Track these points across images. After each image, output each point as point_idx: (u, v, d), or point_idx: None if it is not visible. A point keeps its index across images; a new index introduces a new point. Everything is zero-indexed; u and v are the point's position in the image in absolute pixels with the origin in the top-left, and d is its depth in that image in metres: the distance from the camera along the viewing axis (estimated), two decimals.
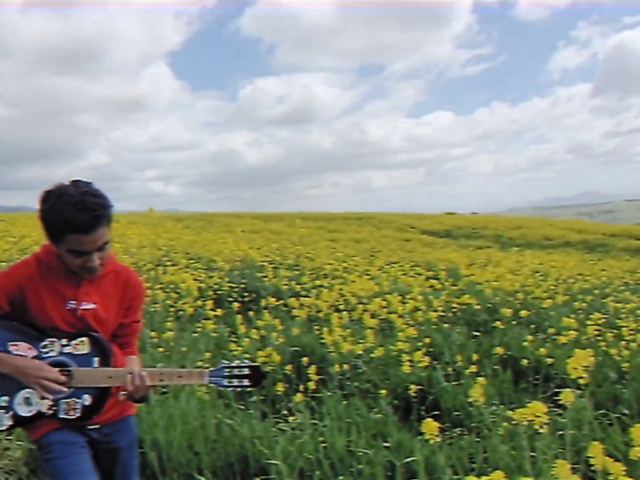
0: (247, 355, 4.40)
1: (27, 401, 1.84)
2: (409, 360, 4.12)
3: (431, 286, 8.26)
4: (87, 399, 1.86)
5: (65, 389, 1.83)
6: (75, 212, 1.70)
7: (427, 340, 4.93)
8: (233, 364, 1.94)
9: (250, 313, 6.13)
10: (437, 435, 2.00)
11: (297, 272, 9.49)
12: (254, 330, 5.04)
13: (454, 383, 4.23)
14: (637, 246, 26.34)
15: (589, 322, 5.67)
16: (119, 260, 2.06)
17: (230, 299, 7.12)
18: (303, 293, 7.42)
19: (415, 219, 38.84)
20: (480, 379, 2.91)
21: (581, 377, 2.17)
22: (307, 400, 3.70)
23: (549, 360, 4.53)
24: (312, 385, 3.74)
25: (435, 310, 6.16)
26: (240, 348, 4.57)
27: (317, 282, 8.25)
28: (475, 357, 4.60)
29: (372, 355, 4.47)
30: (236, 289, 7.70)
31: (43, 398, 1.83)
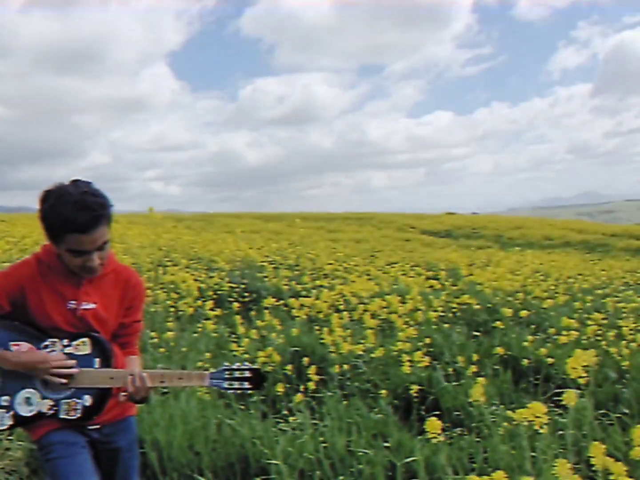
0: (247, 356, 4.40)
1: (28, 401, 1.84)
2: (409, 361, 4.12)
3: (431, 286, 8.25)
4: (87, 400, 1.86)
5: (75, 371, 1.84)
6: (75, 211, 1.71)
7: (427, 340, 4.92)
8: (234, 366, 1.94)
9: (252, 313, 6.13)
10: (438, 435, 2.00)
11: (297, 272, 9.49)
12: (254, 331, 5.03)
13: (454, 383, 4.23)
14: (637, 246, 26.35)
15: (589, 322, 5.67)
16: (119, 260, 2.06)
17: (231, 299, 7.12)
18: (303, 293, 7.42)
19: (416, 219, 38.84)
20: (481, 379, 2.91)
21: (581, 377, 2.17)
22: (307, 401, 3.70)
23: (550, 360, 4.53)
24: (312, 385, 3.74)
25: (436, 310, 6.16)
26: (240, 348, 4.57)
27: (318, 282, 8.24)
28: (475, 357, 4.60)
29: (373, 355, 4.47)
30: (236, 289, 7.70)
31: (45, 397, 1.83)
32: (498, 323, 5.78)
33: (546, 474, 2.36)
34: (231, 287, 7.69)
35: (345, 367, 4.29)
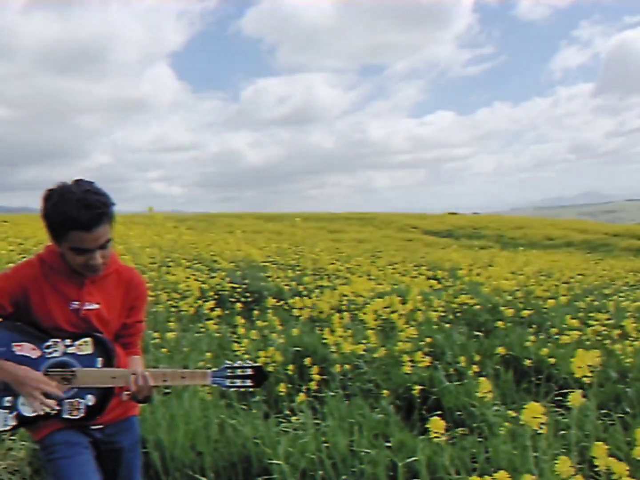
0: (248, 356, 4.40)
1: None
2: (411, 361, 4.12)
3: (432, 286, 8.25)
4: (90, 399, 1.87)
5: (56, 408, 1.82)
6: (77, 209, 1.72)
7: (428, 340, 4.93)
8: (236, 365, 1.94)
9: (255, 312, 6.13)
10: (441, 435, 2.00)
11: (299, 273, 9.50)
12: (255, 331, 5.04)
13: (456, 383, 4.23)
14: (639, 246, 26.32)
15: (591, 322, 5.67)
16: (121, 261, 2.07)
17: (232, 300, 7.12)
18: (305, 293, 7.42)
19: (417, 219, 38.85)
20: (483, 379, 2.91)
21: (586, 377, 2.18)
22: (309, 401, 3.70)
23: (551, 361, 4.52)
24: (314, 385, 3.74)
25: (437, 311, 6.16)
26: (242, 348, 4.57)
27: (319, 283, 8.25)
28: (476, 357, 4.60)
29: (374, 355, 4.47)
30: (238, 290, 7.70)
31: (48, 397, 1.84)
32: (499, 323, 5.78)
33: (548, 474, 2.36)
34: (233, 287, 7.70)
35: (347, 367, 4.30)
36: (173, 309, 6.35)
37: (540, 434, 2.01)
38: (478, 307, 6.86)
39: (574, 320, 5.50)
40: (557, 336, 5.26)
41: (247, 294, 7.69)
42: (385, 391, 3.92)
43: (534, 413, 1.85)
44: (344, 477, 2.94)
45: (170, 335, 5.03)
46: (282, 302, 6.72)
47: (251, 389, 1.98)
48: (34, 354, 1.85)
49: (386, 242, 22.91)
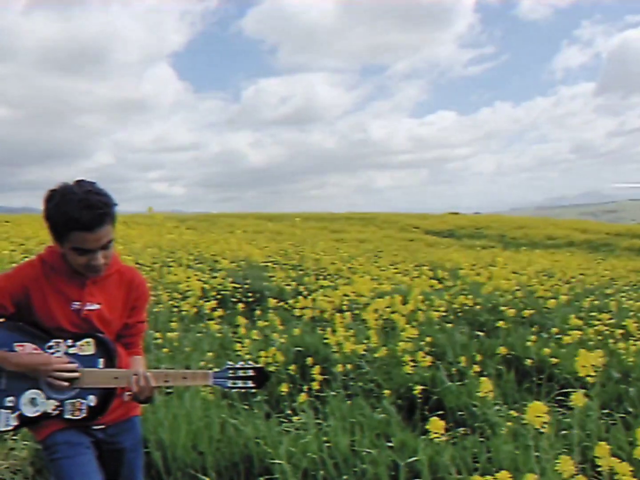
0: (250, 356, 4.40)
1: (33, 402, 1.85)
2: (412, 360, 4.12)
3: (433, 286, 8.25)
4: (92, 400, 1.87)
5: (77, 374, 1.84)
6: (79, 209, 1.72)
7: (429, 340, 4.92)
8: (237, 365, 1.94)
9: (257, 312, 6.13)
10: (442, 434, 2.00)
11: (300, 273, 9.50)
12: (257, 331, 5.04)
13: (457, 383, 4.23)
14: None
15: (593, 322, 5.66)
16: (123, 261, 2.07)
17: (234, 300, 7.12)
18: (306, 293, 7.42)
19: (419, 219, 38.84)
20: (484, 379, 2.91)
21: (589, 376, 2.18)
22: (311, 400, 3.71)
23: (553, 360, 4.52)
24: (316, 385, 3.74)
25: (438, 310, 6.16)
26: (244, 348, 4.58)
27: (321, 283, 8.25)
28: (478, 357, 4.60)
29: (376, 355, 4.47)
30: (240, 290, 7.71)
31: (50, 398, 1.84)
32: (501, 323, 5.78)
33: (550, 474, 2.36)
34: (234, 287, 7.70)
35: (349, 366, 4.30)
36: (174, 309, 6.35)
37: (542, 433, 2.01)
38: (479, 307, 6.85)
39: (575, 320, 5.50)
40: (558, 336, 5.26)
41: (249, 294, 7.69)
42: (386, 391, 3.92)
43: (537, 412, 1.85)
44: (345, 477, 2.94)
45: (171, 335, 5.03)
46: (283, 302, 6.72)
47: (253, 390, 1.98)
48: None
49: (387, 242, 22.91)
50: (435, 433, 1.99)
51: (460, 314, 6.66)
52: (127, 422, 2.03)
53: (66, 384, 1.83)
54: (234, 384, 1.92)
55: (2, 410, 1.84)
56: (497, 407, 3.76)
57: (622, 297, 8.35)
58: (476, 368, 4.20)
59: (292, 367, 4.16)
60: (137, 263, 8.17)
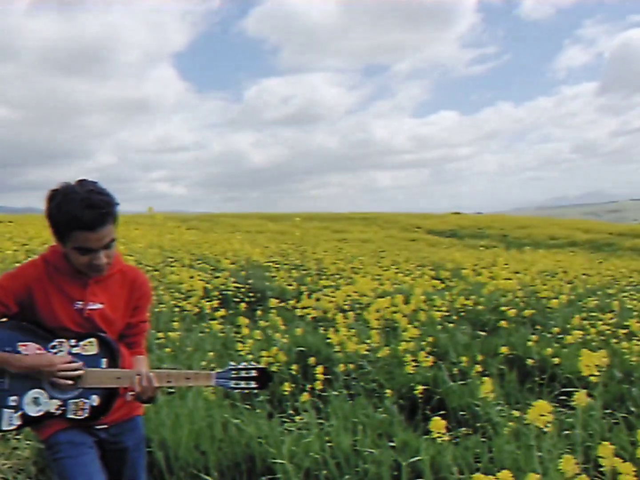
0: (252, 356, 4.40)
1: (36, 401, 1.86)
2: (414, 360, 4.11)
3: (435, 286, 8.24)
4: (95, 400, 1.87)
5: (81, 372, 1.84)
6: (81, 209, 1.73)
7: (431, 340, 4.92)
8: (240, 366, 1.94)
9: (259, 312, 6.14)
10: (443, 434, 2.00)
11: (303, 272, 9.50)
12: (259, 331, 5.04)
13: (459, 383, 4.23)
14: None
15: (595, 322, 5.66)
16: (125, 261, 2.07)
17: (236, 300, 7.13)
18: (308, 293, 7.42)
19: (421, 218, 38.83)
20: (486, 379, 2.91)
21: (592, 376, 2.18)
22: (313, 400, 3.71)
23: (556, 360, 4.52)
24: (319, 385, 3.75)
25: (440, 310, 6.16)
26: (246, 348, 4.58)
27: (323, 283, 8.25)
28: (480, 357, 4.59)
29: (378, 355, 4.47)
30: (242, 290, 7.71)
31: (53, 397, 1.85)
32: (503, 323, 5.77)
33: (552, 474, 2.36)
34: (236, 287, 7.71)
35: (351, 366, 4.30)
36: (176, 309, 6.36)
37: (544, 433, 2.01)
38: (481, 307, 6.85)
39: (578, 320, 5.49)
40: (561, 336, 5.25)
41: (251, 294, 7.70)
42: (388, 391, 3.92)
43: (541, 411, 1.85)
44: (347, 476, 2.94)
45: (174, 335, 5.04)
46: (285, 302, 6.72)
47: (255, 391, 1.98)
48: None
49: (390, 242, 22.91)
50: (437, 433, 1.99)
51: (462, 314, 6.65)
52: (129, 421, 2.04)
53: (71, 382, 1.84)
54: (237, 384, 1.92)
55: (6, 410, 1.85)
56: (499, 407, 3.76)
57: (625, 297, 8.33)
58: (478, 368, 4.20)
59: (294, 367, 4.16)
60: (139, 263, 8.18)
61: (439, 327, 5.80)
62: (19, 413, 1.85)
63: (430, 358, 4.15)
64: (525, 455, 2.90)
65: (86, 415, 1.87)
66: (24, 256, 8.47)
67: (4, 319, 1.88)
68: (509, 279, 8.85)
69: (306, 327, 5.66)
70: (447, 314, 6.27)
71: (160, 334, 5.05)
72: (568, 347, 4.96)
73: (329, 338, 4.72)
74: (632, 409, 3.88)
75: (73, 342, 1.88)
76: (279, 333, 5.16)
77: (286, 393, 3.74)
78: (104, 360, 1.88)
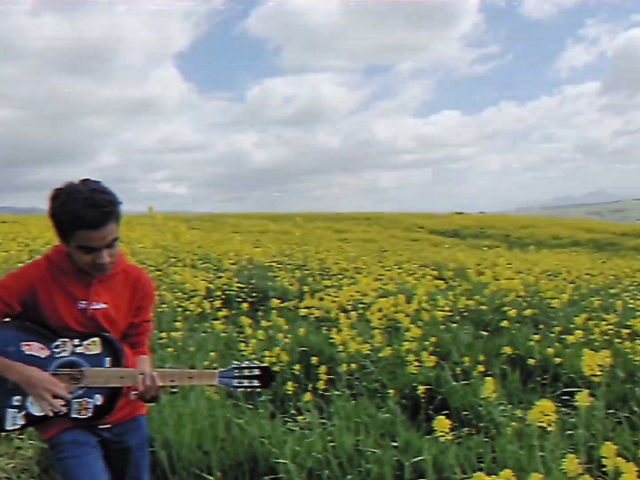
0: (255, 356, 4.41)
1: None
2: (417, 360, 4.11)
3: (438, 286, 8.23)
4: (98, 399, 1.88)
5: (64, 410, 1.82)
6: (84, 207, 1.73)
7: (434, 339, 4.92)
8: (243, 365, 1.95)
9: (261, 312, 6.15)
10: (446, 434, 2.00)
11: (305, 272, 9.50)
12: (262, 331, 5.05)
13: (462, 383, 4.22)
14: None
15: (598, 322, 5.64)
16: (128, 260, 2.08)
17: (239, 300, 7.13)
18: (310, 293, 7.42)
19: (423, 218, 38.81)
20: (489, 379, 2.91)
21: (595, 376, 2.18)
22: (315, 400, 3.71)
23: (558, 360, 4.51)
24: (322, 385, 3.75)
25: (443, 310, 6.15)
26: (249, 348, 4.58)
27: (325, 283, 8.25)
28: (483, 357, 4.59)
29: (380, 355, 4.47)
30: (245, 289, 7.71)
31: (41, 411, 1.83)
32: (505, 322, 5.76)
33: (555, 474, 2.35)
34: (239, 287, 7.71)
35: (353, 366, 4.30)
36: (179, 309, 6.37)
37: (547, 433, 2.01)
38: (484, 306, 6.84)
39: (581, 320, 5.48)
40: (564, 336, 5.24)
41: (254, 294, 7.70)
42: (391, 391, 3.92)
43: (543, 411, 1.85)
44: (350, 476, 2.94)
45: (176, 334, 5.04)
46: (288, 302, 6.73)
47: (258, 390, 1.98)
48: (43, 353, 1.87)
49: (392, 242, 22.90)
50: (441, 432, 1.99)
51: (465, 314, 6.65)
52: (133, 421, 2.04)
53: (46, 409, 1.80)
54: (240, 383, 1.93)
55: (9, 410, 1.85)
56: (502, 407, 3.75)
57: (628, 297, 8.31)
58: (481, 368, 4.19)
59: (297, 366, 4.16)
60: (142, 263, 8.20)
61: (442, 327, 5.80)
62: (23, 413, 1.85)
63: (433, 358, 4.15)
64: (528, 455, 2.90)
65: (90, 414, 1.87)
66: (28, 256, 8.49)
67: (8, 319, 1.89)
68: (512, 278, 8.84)
69: (309, 327, 5.66)
70: (449, 314, 6.26)
71: (163, 334, 5.05)
72: (571, 347, 4.95)
73: (331, 338, 4.72)
74: (635, 408, 3.87)
75: (76, 341, 1.88)
76: (282, 333, 5.17)
77: (289, 393, 3.74)
78: (108, 359, 1.89)
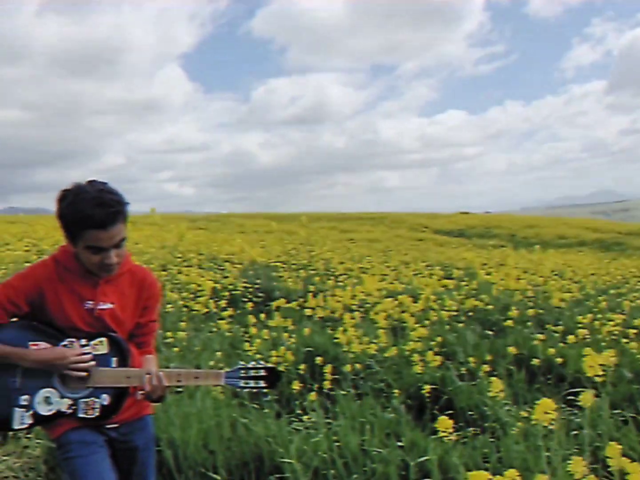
0: (260, 356, 4.42)
1: (47, 400, 1.87)
2: (422, 360, 4.11)
3: (444, 286, 8.23)
4: (105, 399, 1.89)
5: (92, 363, 1.87)
6: (92, 207, 1.75)
7: (440, 339, 4.92)
8: (249, 365, 1.95)
9: (266, 312, 6.15)
10: (451, 434, 2.01)
11: (311, 272, 9.51)
12: (267, 331, 5.06)
13: (468, 383, 4.22)
14: None
15: (604, 321, 5.63)
16: (134, 261, 2.09)
17: (245, 299, 7.15)
18: (315, 293, 7.43)
19: (429, 218, 38.74)
20: (494, 379, 2.91)
21: (598, 376, 2.17)
22: (321, 400, 3.72)
23: (564, 360, 4.50)
24: (327, 384, 3.75)
25: (449, 310, 6.15)
26: (254, 348, 4.60)
27: (331, 282, 8.26)
28: (489, 356, 4.59)
29: (385, 354, 4.47)
30: (250, 289, 7.73)
31: (64, 396, 1.86)
32: (511, 322, 5.75)
33: (561, 474, 2.35)
34: (245, 287, 7.73)
35: (358, 366, 4.30)
36: (184, 309, 6.39)
37: (553, 433, 2.00)
38: (490, 306, 6.83)
39: (587, 320, 5.47)
40: (570, 336, 5.23)
41: (259, 294, 7.71)
42: (396, 390, 3.92)
43: (545, 409, 1.85)
44: (355, 476, 2.95)
45: (182, 334, 5.06)
46: (293, 302, 6.73)
47: (264, 390, 1.99)
48: None
49: (397, 242, 22.88)
50: (444, 432, 1.99)
51: (471, 314, 6.64)
52: (139, 421, 2.05)
53: (84, 374, 1.85)
54: (246, 383, 1.93)
55: (17, 409, 1.86)
56: (507, 407, 3.75)
57: (634, 296, 8.28)
58: (486, 368, 4.19)
59: (302, 366, 4.17)
60: (149, 264, 8.22)
61: (447, 327, 5.79)
62: (31, 412, 1.87)
63: (439, 358, 4.15)
64: (533, 456, 2.89)
65: (97, 414, 1.88)
66: (36, 256, 8.54)
67: (15, 319, 1.91)
68: (518, 278, 8.82)
69: (314, 326, 5.67)
70: (455, 313, 6.26)
71: (169, 334, 5.07)
72: (577, 347, 4.94)
73: (336, 338, 4.73)
74: None
75: (83, 341, 1.90)
76: (287, 333, 5.18)
77: (294, 392, 3.75)
78: (114, 359, 1.90)
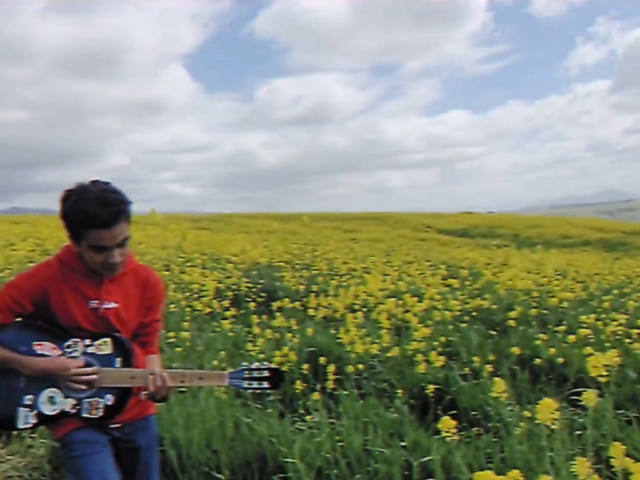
0: (263, 356, 4.42)
1: (51, 400, 1.88)
2: (426, 360, 4.11)
3: (448, 285, 8.22)
4: (109, 399, 1.90)
5: (95, 377, 1.87)
6: (96, 207, 1.75)
7: (443, 339, 4.91)
8: (253, 366, 1.96)
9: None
10: (454, 434, 2.00)
11: (314, 272, 9.51)
12: (270, 331, 5.06)
13: (471, 383, 4.22)
14: None
15: (608, 321, 5.61)
16: (137, 260, 2.10)
17: (248, 299, 7.16)
18: (318, 293, 7.43)
19: (432, 218, 38.71)
20: (498, 379, 2.90)
21: (601, 376, 2.17)
22: (324, 400, 3.72)
23: (567, 360, 4.49)
24: (330, 384, 3.76)
25: (452, 310, 6.14)
26: (257, 348, 4.60)
27: (334, 282, 8.26)
28: (492, 356, 4.58)
29: (388, 354, 4.47)
30: (254, 289, 7.74)
31: (68, 396, 1.87)
32: (515, 322, 5.74)
33: (564, 474, 2.35)
34: (248, 287, 7.73)
35: (361, 366, 4.30)
36: (188, 309, 6.40)
37: (556, 433, 2.00)
38: (494, 306, 6.82)
39: (590, 320, 5.46)
40: (573, 336, 5.22)
41: (262, 294, 7.72)
42: (400, 390, 3.92)
43: (547, 409, 1.85)
44: (358, 476, 2.95)
45: (185, 334, 5.07)
46: (296, 302, 6.74)
47: (268, 391, 1.99)
48: (55, 353, 1.89)
49: (401, 242, 22.86)
50: (447, 432, 1.99)
51: (474, 314, 6.64)
52: (143, 420, 2.06)
53: (84, 387, 1.86)
54: (250, 384, 1.94)
55: (21, 409, 1.87)
56: (510, 407, 3.75)
57: (638, 296, 8.26)
58: (490, 368, 4.19)
59: (305, 366, 4.17)
60: (151, 263, 8.24)
61: (451, 327, 5.79)
62: (35, 412, 1.88)
63: (442, 358, 4.15)
64: (537, 456, 2.89)
65: (100, 414, 1.89)
66: (39, 256, 8.56)
67: (20, 319, 1.91)
68: (522, 278, 8.81)
69: (317, 326, 5.67)
70: (459, 313, 6.25)
71: (172, 334, 5.08)
72: (581, 347, 4.93)
73: (339, 338, 4.73)
74: None
75: (88, 341, 1.90)
76: (290, 333, 5.18)
77: (297, 392, 3.76)
78: (118, 359, 1.90)
